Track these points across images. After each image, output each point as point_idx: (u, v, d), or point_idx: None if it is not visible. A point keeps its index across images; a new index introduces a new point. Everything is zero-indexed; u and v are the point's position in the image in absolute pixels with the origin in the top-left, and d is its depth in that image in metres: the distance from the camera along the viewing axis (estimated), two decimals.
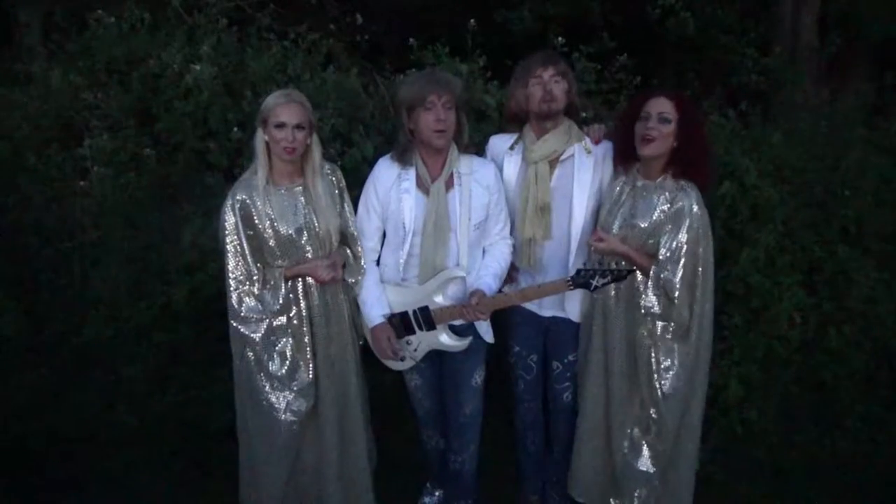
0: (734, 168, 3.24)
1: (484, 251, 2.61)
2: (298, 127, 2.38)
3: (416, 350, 2.59)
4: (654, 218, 2.44)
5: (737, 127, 3.58)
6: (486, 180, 2.53)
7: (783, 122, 3.95)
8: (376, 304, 2.55)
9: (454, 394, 2.65)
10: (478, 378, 2.64)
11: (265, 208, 2.43)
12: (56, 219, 3.52)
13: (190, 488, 3.04)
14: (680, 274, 2.40)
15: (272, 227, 2.43)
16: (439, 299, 2.51)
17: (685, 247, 2.40)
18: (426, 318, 2.52)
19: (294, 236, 2.45)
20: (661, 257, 2.42)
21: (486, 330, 2.62)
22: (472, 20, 3.66)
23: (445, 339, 2.55)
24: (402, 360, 2.61)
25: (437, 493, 2.99)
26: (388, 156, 2.57)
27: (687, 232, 2.40)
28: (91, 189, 3.39)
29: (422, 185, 2.49)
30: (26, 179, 3.53)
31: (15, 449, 3.16)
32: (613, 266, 2.41)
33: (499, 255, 2.59)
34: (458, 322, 2.55)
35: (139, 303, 3.28)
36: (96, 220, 3.42)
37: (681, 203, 2.41)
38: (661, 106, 2.39)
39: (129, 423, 3.31)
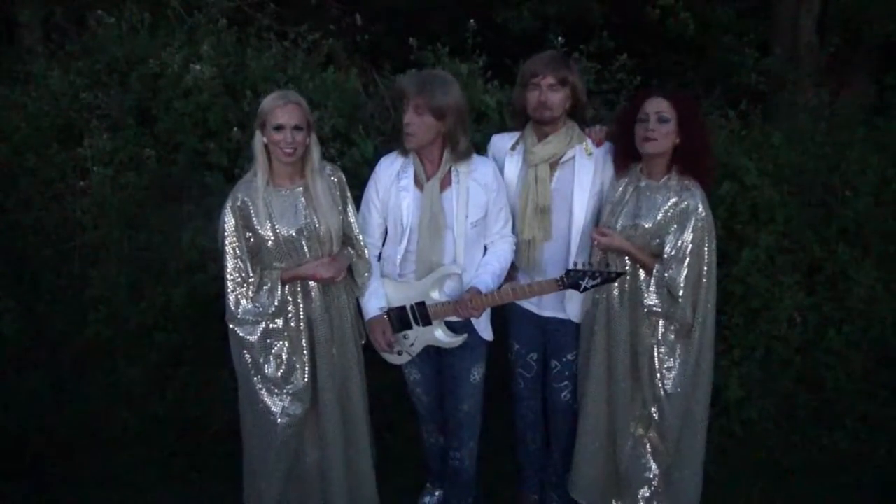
0: (734, 168, 3.24)
1: (486, 249, 2.62)
2: (297, 128, 2.38)
3: (412, 345, 2.61)
4: (659, 218, 2.43)
5: (737, 127, 3.57)
6: (485, 178, 2.54)
7: (783, 122, 3.94)
8: (374, 297, 2.58)
9: (453, 390, 2.66)
10: (476, 375, 2.65)
11: (265, 210, 2.42)
12: (56, 219, 3.52)
13: (190, 488, 3.04)
14: (684, 273, 2.40)
15: (272, 228, 2.43)
16: (436, 295, 2.53)
17: (690, 246, 2.40)
18: (422, 314, 2.53)
19: (294, 237, 2.44)
20: (665, 256, 2.42)
21: (484, 327, 2.62)
22: (472, 20, 3.66)
23: (440, 336, 2.56)
24: (399, 353, 2.63)
25: (437, 493, 2.99)
26: (391, 153, 2.61)
27: (692, 231, 2.40)
28: (91, 189, 3.39)
29: (419, 183, 2.52)
30: (26, 179, 3.52)
31: (15, 449, 3.16)
32: (605, 268, 2.41)
33: (500, 254, 2.59)
34: (454, 319, 2.56)
35: (139, 303, 3.28)
36: (96, 220, 3.41)
37: (686, 203, 2.41)
38: (658, 105, 2.39)
39: (129, 423, 3.31)
